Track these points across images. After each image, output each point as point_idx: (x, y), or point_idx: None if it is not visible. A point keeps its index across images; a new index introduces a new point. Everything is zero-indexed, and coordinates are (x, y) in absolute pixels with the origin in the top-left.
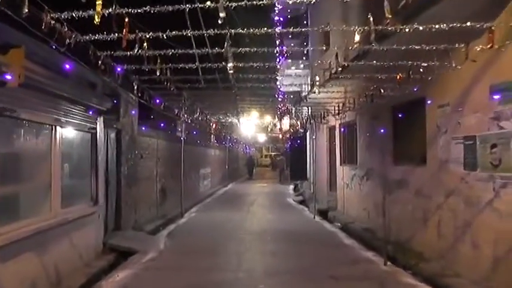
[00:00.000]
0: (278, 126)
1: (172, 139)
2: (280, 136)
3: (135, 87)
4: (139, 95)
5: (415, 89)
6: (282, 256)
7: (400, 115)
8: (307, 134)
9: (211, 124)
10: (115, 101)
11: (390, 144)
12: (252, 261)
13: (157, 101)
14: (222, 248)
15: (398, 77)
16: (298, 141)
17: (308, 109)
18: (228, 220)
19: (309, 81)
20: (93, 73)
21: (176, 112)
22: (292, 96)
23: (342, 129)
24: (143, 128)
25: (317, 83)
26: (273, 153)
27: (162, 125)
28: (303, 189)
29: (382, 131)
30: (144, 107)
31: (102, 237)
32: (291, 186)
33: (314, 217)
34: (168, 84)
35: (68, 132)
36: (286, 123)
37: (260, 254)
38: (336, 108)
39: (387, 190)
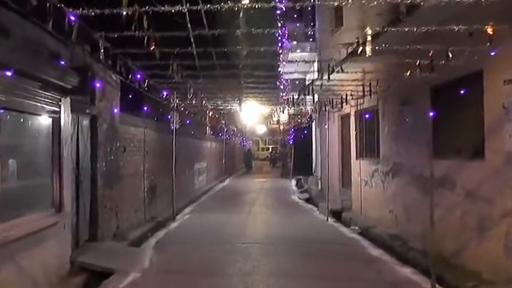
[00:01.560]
0: (279, 117)
1: (163, 129)
2: (282, 127)
3: (101, 50)
4: (110, 63)
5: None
6: (300, 278)
7: (442, 97)
8: (313, 124)
9: (207, 112)
10: (87, 79)
11: (428, 133)
12: (262, 286)
13: (139, 76)
14: (222, 265)
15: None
16: (305, 132)
17: (314, 97)
18: (227, 224)
19: (316, 65)
20: (53, 38)
21: (165, 95)
22: (297, 82)
23: (359, 118)
24: (126, 115)
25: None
26: (270, 146)
27: (148, 111)
28: (308, 185)
29: (416, 118)
30: (127, 89)
31: (70, 253)
32: (293, 182)
33: (327, 219)
34: (149, 44)
35: (13, 117)
36: (285, 114)
37: (271, 275)
38: (353, 93)
39: (423, 190)
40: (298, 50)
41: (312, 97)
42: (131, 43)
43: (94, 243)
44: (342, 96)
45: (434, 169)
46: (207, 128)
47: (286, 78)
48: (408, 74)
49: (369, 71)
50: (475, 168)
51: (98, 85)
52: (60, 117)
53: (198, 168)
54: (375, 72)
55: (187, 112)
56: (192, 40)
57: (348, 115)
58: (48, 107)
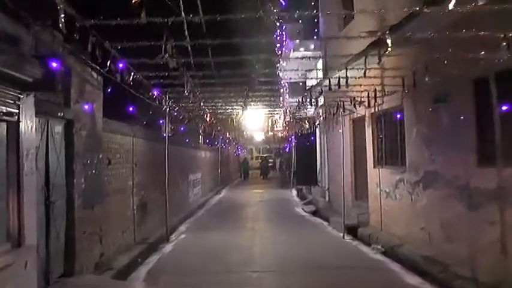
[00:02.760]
0: (277, 124)
1: (153, 137)
2: (280, 134)
3: (61, 16)
4: (75, 36)
5: None
6: None
7: (493, 90)
8: (317, 130)
9: (205, 116)
10: (57, 72)
11: (473, 135)
12: None
13: (121, 65)
14: None
15: None
16: (307, 138)
17: (318, 100)
18: (230, 245)
19: (321, 65)
20: (8, 16)
21: (155, 95)
22: (301, 84)
23: (377, 121)
24: (111, 121)
25: None
26: (264, 155)
27: (134, 115)
28: (313, 196)
29: (457, 117)
30: (105, 85)
31: None
32: (294, 192)
33: (343, 236)
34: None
35: None
36: (281, 120)
37: None
38: (370, 92)
39: (469, 205)
40: (302, 49)
41: (315, 100)
42: (107, 10)
43: (71, 278)
44: (355, 97)
45: (483, 179)
46: (203, 135)
47: (287, 81)
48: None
49: (395, 63)
50: None
51: (74, 82)
52: (19, 121)
53: (192, 179)
54: (403, 62)
55: (181, 117)
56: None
57: (362, 118)
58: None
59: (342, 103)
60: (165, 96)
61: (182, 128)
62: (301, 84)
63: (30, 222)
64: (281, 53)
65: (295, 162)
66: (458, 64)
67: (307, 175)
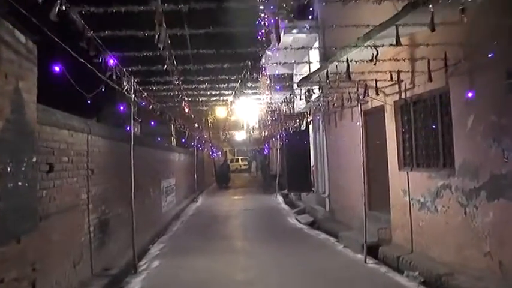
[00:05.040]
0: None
1: (118, 136)
2: (262, 134)
3: None
4: None
5: None
6: None
7: None
8: (311, 127)
9: (183, 106)
10: None
11: None
12: None
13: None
14: None
15: None
16: (297, 137)
17: (311, 92)
18: (222, 281)
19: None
20: None
21: (111, 65)
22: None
23: (404, 110)
24: (54, 111)
25: None
26: (240, 157)
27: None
28: (305, 203)
29: None
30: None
31: None
32: (280, 198)
33: (365, 260)
34: None
35: None
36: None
37: None
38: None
39: None
40: (294, 31)
41: (310, 92)
42: None
43: None
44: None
45: None
46: (175, 136)
47: (274, 73)
48: None
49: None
50: None
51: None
52: None
53: (165, 186)
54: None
55: (150, 107)
56: None
57: (379, 109)
58: None
59: (360, 89)
60: (129, 74)
61: (153, 123)
62: (291, 74)
63: None
64: (268, 39)
65: (285, 164)
66: None
67: (299, 180)
